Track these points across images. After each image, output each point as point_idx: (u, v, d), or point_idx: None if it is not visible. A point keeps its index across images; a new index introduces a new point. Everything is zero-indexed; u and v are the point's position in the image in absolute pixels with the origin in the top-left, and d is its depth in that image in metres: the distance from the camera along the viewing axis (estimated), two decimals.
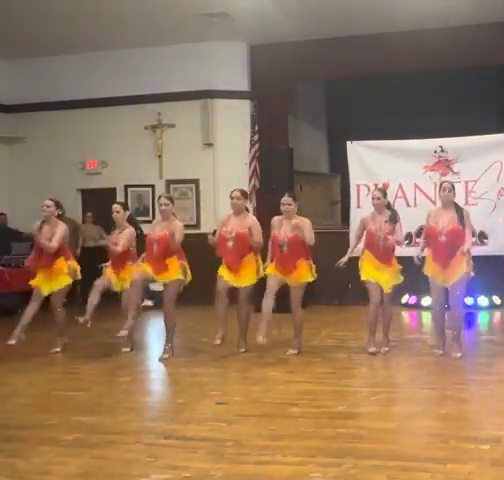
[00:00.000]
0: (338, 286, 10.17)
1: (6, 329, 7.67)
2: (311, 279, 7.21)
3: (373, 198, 7.36)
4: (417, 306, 10.46)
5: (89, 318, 7.37)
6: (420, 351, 7.28)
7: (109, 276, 7.59)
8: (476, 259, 7.13)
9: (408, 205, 10.32)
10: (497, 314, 10.14)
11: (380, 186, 10.18)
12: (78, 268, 7.74)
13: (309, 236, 7.10)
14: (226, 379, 6.51)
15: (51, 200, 7.65)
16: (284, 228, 7.17)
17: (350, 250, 7.57)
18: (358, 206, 10.56)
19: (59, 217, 7.63)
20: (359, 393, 5.82)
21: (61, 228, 7.54)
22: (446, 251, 6.80)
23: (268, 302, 7.04)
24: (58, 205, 7.66)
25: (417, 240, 9.35)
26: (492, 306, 10.40)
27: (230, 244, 7.21)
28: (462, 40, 10.71)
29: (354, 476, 3.78)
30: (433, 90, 11.75)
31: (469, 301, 9.59)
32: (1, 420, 5.05)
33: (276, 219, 7.29)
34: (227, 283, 7.23)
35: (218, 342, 7.16)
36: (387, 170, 10.38)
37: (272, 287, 7.10)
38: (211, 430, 4.69)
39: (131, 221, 7.93)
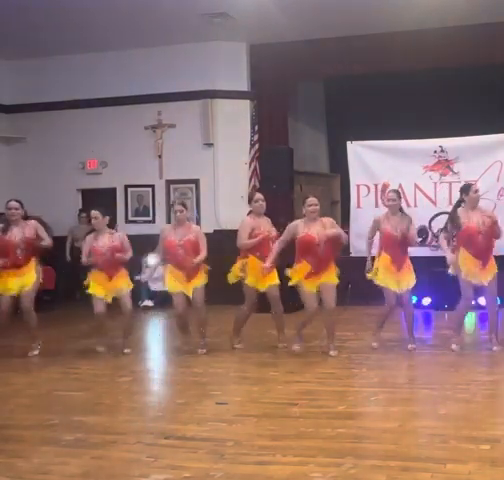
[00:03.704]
0: (338, 286, 10.13)
1: (5, 328, 7.65)
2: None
3: (389, 199, 7.41)
4: (417, 306, 10.45)
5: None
6: (420, 351, 7.28)
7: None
8: None
9: (408, 205, 10.30)
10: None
11: (380, 186, 10.27)
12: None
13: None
14: (226, 379, 6.52)
15: (16, 201, 7.47)
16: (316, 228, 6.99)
17: (368, 254, 7.54)
18: (358, 206, 10.57)
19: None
20: (359, 393, 5.82)
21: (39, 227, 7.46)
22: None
23: None
24: (22, 205, 7.51)
25: (417, 240, 9.35)
26: None
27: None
28: (461, 40, 10.69)
29: (354, 476, 3.78)
30: (433, 90, 11.72)
31: None
32: (1, 420, 5.05)
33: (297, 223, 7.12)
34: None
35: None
36: (387, 170, 10.38)
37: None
38: (211, 430, 4.69)
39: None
